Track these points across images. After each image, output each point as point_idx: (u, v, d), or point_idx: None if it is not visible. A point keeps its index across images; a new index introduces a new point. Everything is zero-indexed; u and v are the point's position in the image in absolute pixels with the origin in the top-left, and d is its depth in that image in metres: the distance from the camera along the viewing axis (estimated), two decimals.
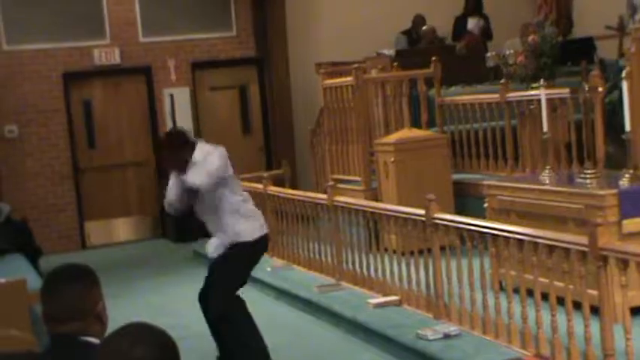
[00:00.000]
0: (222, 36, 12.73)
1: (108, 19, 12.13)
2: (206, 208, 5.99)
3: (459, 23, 11.99)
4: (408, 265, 6.64)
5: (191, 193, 5.93)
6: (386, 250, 7.09)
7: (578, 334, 4.89)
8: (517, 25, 10.63)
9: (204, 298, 6.17)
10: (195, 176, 5.75)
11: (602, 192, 5.73)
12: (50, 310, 2.64)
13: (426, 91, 9.51)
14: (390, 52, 11.04)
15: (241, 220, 5.92)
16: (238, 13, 12.78)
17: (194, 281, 9.02)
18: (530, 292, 5.29)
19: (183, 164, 5.80)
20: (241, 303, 6.01)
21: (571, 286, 4.95)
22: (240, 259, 5.97)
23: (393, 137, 8.74)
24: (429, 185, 7.80)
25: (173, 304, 8.30)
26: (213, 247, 6.03)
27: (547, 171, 6.70)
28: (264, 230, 6.05)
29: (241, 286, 6.07)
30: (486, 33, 11.85)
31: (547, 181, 6.52)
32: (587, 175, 6.14)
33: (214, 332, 6.20)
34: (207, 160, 5.77)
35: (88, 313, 2.64)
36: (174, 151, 5.83)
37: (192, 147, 5.81)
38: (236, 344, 5.93)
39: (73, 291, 2.64)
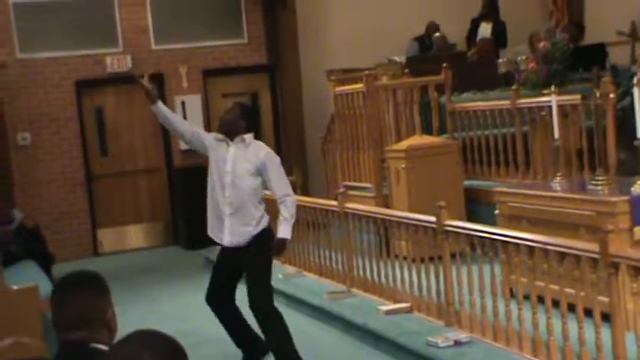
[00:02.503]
0: (234, 43, 12.76)
1: (120, 27, 12.19)
2: (237, 199, 5.99)
3: (474, 26, 11.99)
4: (418, 272, 6.64)
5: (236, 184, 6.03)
6: (397, 257, 7.08)
7: (589, 342, 4.88)
8: (529, 32, 10.65)
9: (215, 298, 6.16)
10: (284, 186, 6.03)
11: (613, 199, 5.71)
12: (60, 317, 2.66)
13: (437, 98, 9.50)
14: (401, 58, 11.05)
15: (264, 212, 6.10)
16: (250, 21, 12.81)
17: (206, 288, 9.04)
18: (541, 299, 5.27)
19: (236, 131, 6.02)
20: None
21: (582, 293, 4.94)
22: (269, 249, 6.05)
23: (404, 144, 8.73)
24: (440, 192, 7.79)
25: (186, 310, 8.31)
26: (229, 235, 6.03)
27: (558, 178, 6.69)
28: None
29: None
30: (501, 39, 11.84)
31: (558, 188, 6.50)
32: (599, 182, 6.13)
33: (234, 333, 6.21)
34: (276, 161, 6.04)
35: (96, 320, 2.66)
36: (239, 116, 6.07)
37: (250, 127, 6.07)
38: (285, 336, 5.99)
39: (83, 299, 2.67)
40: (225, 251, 6.14)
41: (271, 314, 6.00)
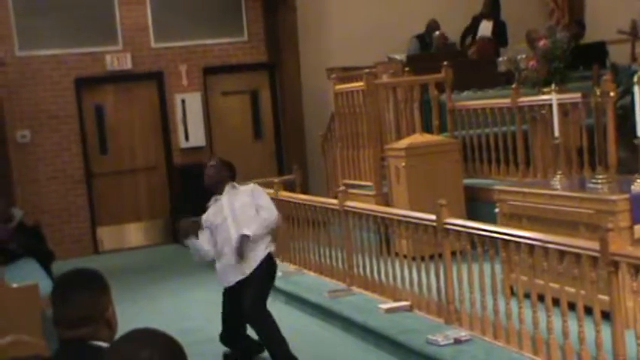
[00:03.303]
0: (234, 41, 12.76)
1: (120, 24, 12.18)
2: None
3: (475, 23, 11.98)
4: (419, 270, 6.64)
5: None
6: (397, 255, 7.08)
7: (589, 340, 4.87)
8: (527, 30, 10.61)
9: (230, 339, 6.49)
10: (272, 212, 6.44)
11: (613, 197, 5.71)
12: (61, 314, 2.67)
13: (437, 96, 9.49)
14: (401, 56, 11.04)
15: (270, 238, 6.51)
16: (250, 19, 12.81)
17: (205, 286, 9.06)
18: (541, 298, 5.27)
19: (223, 181, 6.42)
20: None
21: (582, 292, 4.93)
22: (274, 270, 6.55)
23: (404, 142, 8.73)
24: (440, 190, 7.79)
25: (185, 308, 8.32)
26: (231, 274, 6.37)
27: (558, 176, 6.68)
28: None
29: None
30: (501, 37, 11.83)
31: (558, 186, 6.50)
32: (599, 180, 6.13)
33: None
34: (263, 197, 6.50)
35: (97, 318, 2.68)
36: (221, 167, 6.48)
37: (233, 175, 6.52)
38: (280, 339, 6.26)
39: (83, 297, 2.68)
40: (232, 290, 6.40)
41: (265, 321, 6.22)
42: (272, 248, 6.52)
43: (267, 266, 6.43)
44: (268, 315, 6.25)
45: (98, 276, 2.77)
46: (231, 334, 6.50)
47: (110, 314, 2.72)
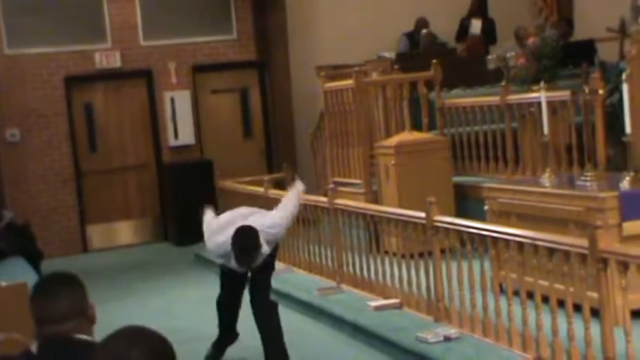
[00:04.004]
0: (223, 39, 12.74)
1: (109, 22, 12.15)
2: None
3: (463, 25, 12.00)
4: (408, 267, 6.65)
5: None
6: (386, 252, 7.09)
7: (578, 337, 4.89)
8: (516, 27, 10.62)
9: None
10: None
11: (602, 194, 5.73)
12: (45, 311, 2.74)
13: (426, 94, 9.50)
14: (390, 55, 11.04)
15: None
16: (239, 17, 12.79)
17: (196, 284, 9.06)
18: (530, 295, 5.29)
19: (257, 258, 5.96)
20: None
21: (571, 289, 4.95)
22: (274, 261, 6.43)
23: (393, 140, 8.74)
24: (430, 188, 7.79)
25: (175, 307, 8.31)
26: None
27: (547, 173, 6.71)
28: None
29: None
30: (490, 35, 11.85)
31: (547, 184, 6.52)
32: (588, 178, 6.15)
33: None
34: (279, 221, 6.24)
35: (81, 312, 2.76)
36: (257, 251, 5.93)
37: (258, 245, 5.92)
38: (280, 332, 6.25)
39: (66, 293, 2.77)
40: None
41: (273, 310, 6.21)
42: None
43: (273, 256, 6.38)
44: (276, 305, 6.27)
45: (73, 275, 2.87)
46: (226, 322, 6.41)
47: (91, 310, 2.81)
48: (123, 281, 9.71)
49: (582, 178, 6.24)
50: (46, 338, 2.73)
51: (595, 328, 4.81)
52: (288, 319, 7.53)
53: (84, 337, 2.73)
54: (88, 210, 12.19)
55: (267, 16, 12.69)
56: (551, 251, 5.06)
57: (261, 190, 9.23)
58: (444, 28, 11.92)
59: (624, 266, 4.60)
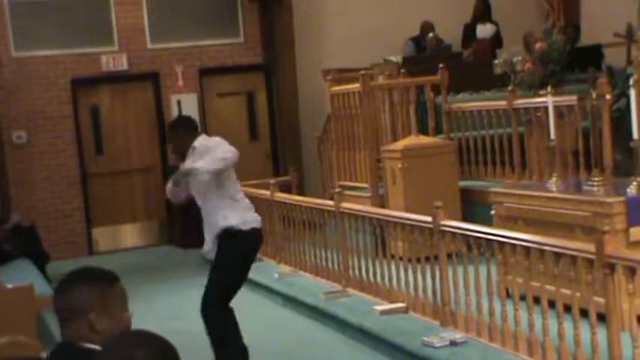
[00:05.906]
0: (230, 42, 12.76)
1: (116, 25, 12.17)
2: (206, 199, 5.94)
3: (469, 30, 11.99)
4: (414, 272, 6.63)
5: (191, 183, 5.89)
6: (392, 256, 7.08)
7: (585, 342, 4.88)
8: (525, 32, 10.61)
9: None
10: (209, 163, 5.66)
11: (609, 199, 5.71)
12: (56, 309, 2.65)
13: (433, 98, 9.50)
14: (397, 58, 11.04)
15: (238, 210, 5.90)
16: (246, 20, 12.81)
17: (201, 287, 9.04)
18: (536, 300, 5.27)
19: (186, 148, 5.83)
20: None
21: (578, 294, 4.94)
22: (234, 250, 5.87)
23: (400, 144, 8.73)
24: (436, 192, 7.79)
25: (181, 309, 8.30)
26: (208, 245, 6.02)
27: (554, 178, 6.69)
28: (259, 225, 6.03)
29: (238, 287, 6.01)
30: (497, 40, 11.84)
31: (554, 189, 6.51)
32: (595, 183, 6.13)
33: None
34: (219, 149, 5.74)
35: (81, 313, 2.60)
36: (184, 132, 5.90)
37: (191, 131, 5.92)
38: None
39: (68, 291, 2.64)
40: None
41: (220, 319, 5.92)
42: (236, 221, 5.86)
43: (229, 242, 5.84)
44: (229, 312, 5.90)
45: (89, 273, 2.71)
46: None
47: (94, 316, 2.62)
48: (128, 284, 9.58)
49: (589, 183, 6.23)
50: (58, 344, 2.69)
51: (601, 333, 4.79)
52: (294, 322, 7.54)
53: (88, 345, 2.57)
54: (93, 212, 12.20)
55: (274, 20, 12.70)
56: (557, 256, 5.05)
57: (267, 193, 9.23)
58: (449, 33, 11.91)
59: (631, 271, 4.58)
